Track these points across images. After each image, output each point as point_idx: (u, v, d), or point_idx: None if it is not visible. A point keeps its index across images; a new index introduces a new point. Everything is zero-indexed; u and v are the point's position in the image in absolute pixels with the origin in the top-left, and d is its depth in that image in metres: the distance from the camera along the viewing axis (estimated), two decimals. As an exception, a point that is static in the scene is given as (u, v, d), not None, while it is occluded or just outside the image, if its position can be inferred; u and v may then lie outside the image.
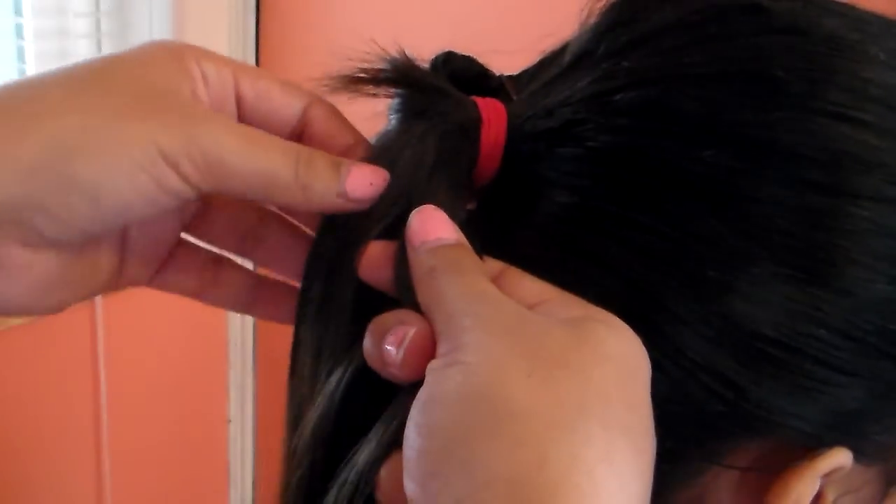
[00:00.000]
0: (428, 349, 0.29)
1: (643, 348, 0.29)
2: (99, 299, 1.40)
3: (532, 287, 0.31)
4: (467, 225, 0.36)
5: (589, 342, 0.28)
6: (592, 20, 0.35)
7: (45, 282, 0.33)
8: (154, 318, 1.52)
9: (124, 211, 0.31)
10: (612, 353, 0.28)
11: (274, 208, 0.39)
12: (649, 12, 0.34)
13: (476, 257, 0.31)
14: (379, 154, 0.34)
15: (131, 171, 0.30)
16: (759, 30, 0.32)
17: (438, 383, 0.27)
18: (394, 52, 0.35)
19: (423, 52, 0.36)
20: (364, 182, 0.33)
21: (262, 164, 0.32)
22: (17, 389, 1.39)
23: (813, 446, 0.31)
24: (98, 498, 1.55)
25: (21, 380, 1.39)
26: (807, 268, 0.30)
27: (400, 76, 0.35)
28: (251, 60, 1.51)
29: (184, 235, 0.39)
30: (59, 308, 0.35)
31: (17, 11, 1.38)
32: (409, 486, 0.27)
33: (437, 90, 0.35)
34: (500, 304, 0.29)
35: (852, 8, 0.34)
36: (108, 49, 1.46)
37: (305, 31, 1.46)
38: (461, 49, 0.37)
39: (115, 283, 0.37)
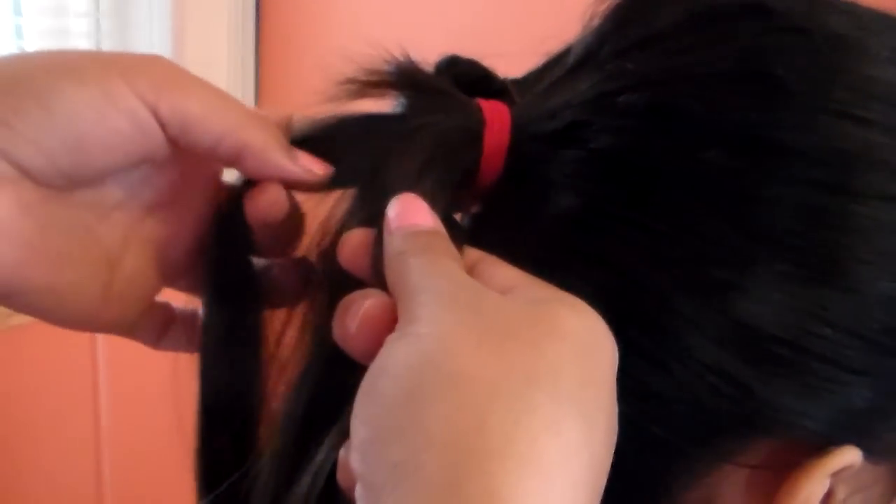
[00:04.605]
0: (385, 324, 0.29)
1: (608, 332, 0.29)
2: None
3: (505, 274, 0.31)
4: (472, 227, 0.36)
5: (546, 319, 0.27)
6: (596, 22, 0.35)
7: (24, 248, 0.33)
8: (154, 318, 1.52)
9: (75, 120, 0.32)
10: (570, 331, 0.27)
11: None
12: (653, 14, 0.34)
13: (450, 244, 0.31)
14: (372, 145, 0.34)
15: (82, 81, 0.32)
16: (762, 30, 0.32)
17: (388, 353, 0.27)
18: (398, 55, 0.35)
19: (424, 54, 0.36)
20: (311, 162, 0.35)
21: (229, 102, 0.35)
22: (17, 389, 1.39)
23: (822, 445, 0.31)
24: (98, 498, 1.55)
25: (21, 380, 1.39)
26: (812, 267, 0.30)
27: (404, 79, 0.35)
28: (251, 61, 1.51)
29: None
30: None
31: (17, 11, 1.38)
32: (354, 458, 0.27)
33: (441, 93, 0.35)
34: (461, 283, 0.29)
35: (855, 6, 0.34)
36: (107, 49, 1.46)
37: (305, 32, 1.46)
38: (464, 52, 0.37)
39: (98, 311, 0.37)
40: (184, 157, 0.36)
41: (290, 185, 0.36)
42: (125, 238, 0.37)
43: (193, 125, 0.34)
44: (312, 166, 0.35)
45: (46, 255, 0.34)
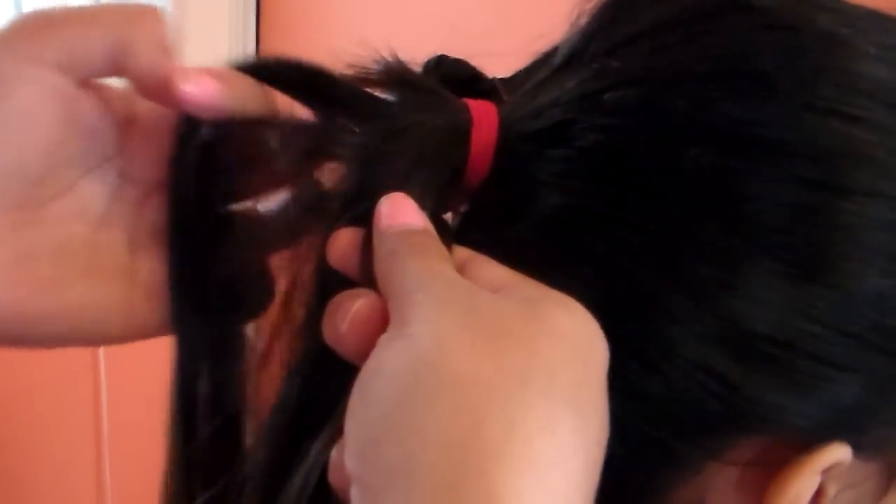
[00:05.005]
0: (377, 324, 0.29)
1: (600, 331, 0.29)
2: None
3: (495, 273, 0.31)
4: (460, 226, 0.36)
5: (539, 318, 0.28)
6: (583, 21, 0.35)
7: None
8: (154, 318, 1.52)
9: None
10: (563, 331, 0.27)
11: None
12: (639, 12, 0.34)
13: (440, 243, 0.31)
14: (359, 148, 0.34)
15: None
16: (749, 27, 0.32)
17: (381, 354, 0.27)
18: (386, 55, 0.35)
19: (424, 55, 0.37)
20: (190, 76, 0.34)
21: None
22: (17, 389, 1.39)
23: (811, 442, 0.31)
24: (98, 498, 1.55)
25: (21, 380, 1.39)
26: (800, 264, 0.30)
27: (392, 79, 0.35)
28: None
29: None
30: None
31: (18, 11, 1.38)
32: (349, 461, 0.27)
33: (429, 92, 0.35)
34: (453, 282, 0.29)
35: (842, 3, 0.34)
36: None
37: (305, 31, 1.47)
38: (461, 51, 0.37)
39: (127, 303, 0.36)
40: (143, 132, 0.36)
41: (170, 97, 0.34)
42: (130, 237, 0.36)
43: (77, 52, 0.33)
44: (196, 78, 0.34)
45: (37, 285, 0.33)
